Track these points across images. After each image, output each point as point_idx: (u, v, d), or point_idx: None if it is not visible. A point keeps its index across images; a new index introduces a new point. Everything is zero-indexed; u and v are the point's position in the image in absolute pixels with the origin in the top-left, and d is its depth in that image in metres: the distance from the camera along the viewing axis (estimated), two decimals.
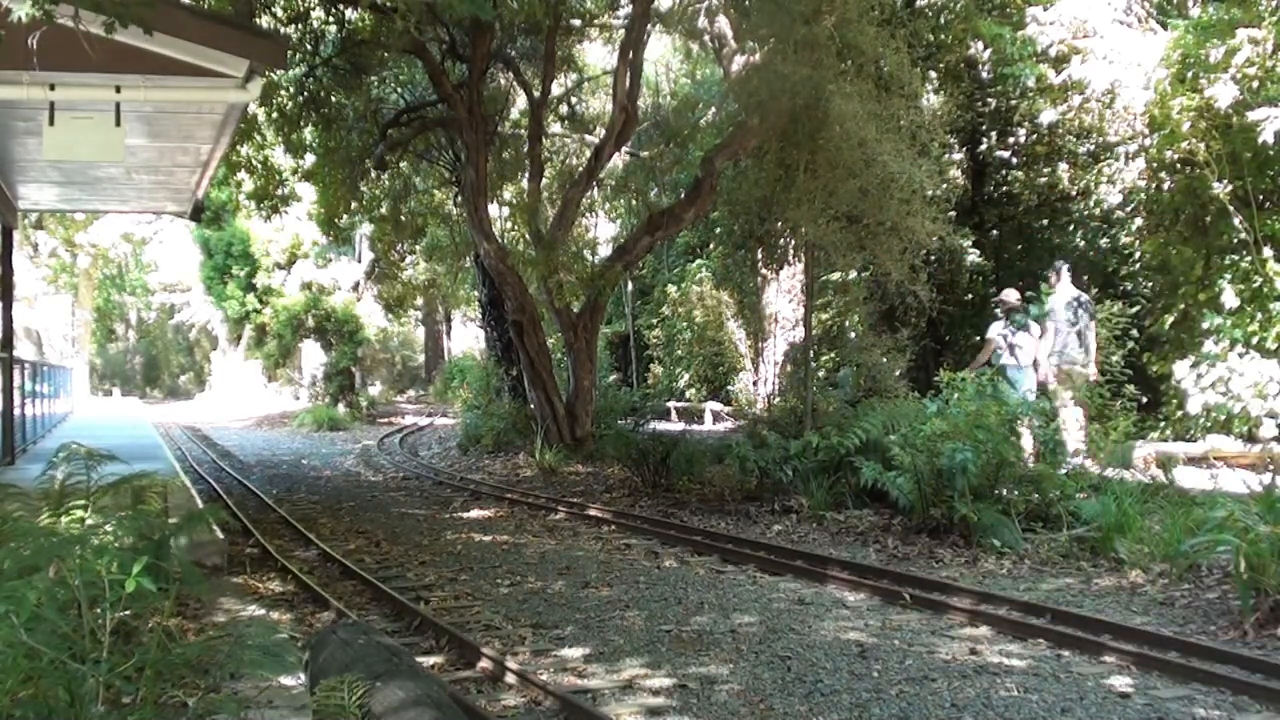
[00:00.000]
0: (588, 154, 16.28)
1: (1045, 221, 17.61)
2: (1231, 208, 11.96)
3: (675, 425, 18.01)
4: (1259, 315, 11.69)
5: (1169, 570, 7.06)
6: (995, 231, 18.04)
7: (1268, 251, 11.82)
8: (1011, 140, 16.97)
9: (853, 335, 17.73)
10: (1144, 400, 13.49)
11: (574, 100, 18.16)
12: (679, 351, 23.16)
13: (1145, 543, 7.50)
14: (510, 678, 5.36)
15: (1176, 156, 12.43)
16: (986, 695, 4.94)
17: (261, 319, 33.04)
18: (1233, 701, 4.83)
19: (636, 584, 7.57)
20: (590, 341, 15.62)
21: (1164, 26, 12.67)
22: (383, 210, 18.65)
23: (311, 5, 14.59)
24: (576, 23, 16.03)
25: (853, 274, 16.29)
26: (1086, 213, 16.70)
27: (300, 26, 14.38)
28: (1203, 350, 11.79)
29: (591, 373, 15.56)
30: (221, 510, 10.10)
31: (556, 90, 16.62)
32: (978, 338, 17.27)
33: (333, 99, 15.30)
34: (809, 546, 8.85)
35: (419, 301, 35.80)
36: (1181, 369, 11.93)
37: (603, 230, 23.59)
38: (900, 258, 12.09)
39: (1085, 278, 16.73)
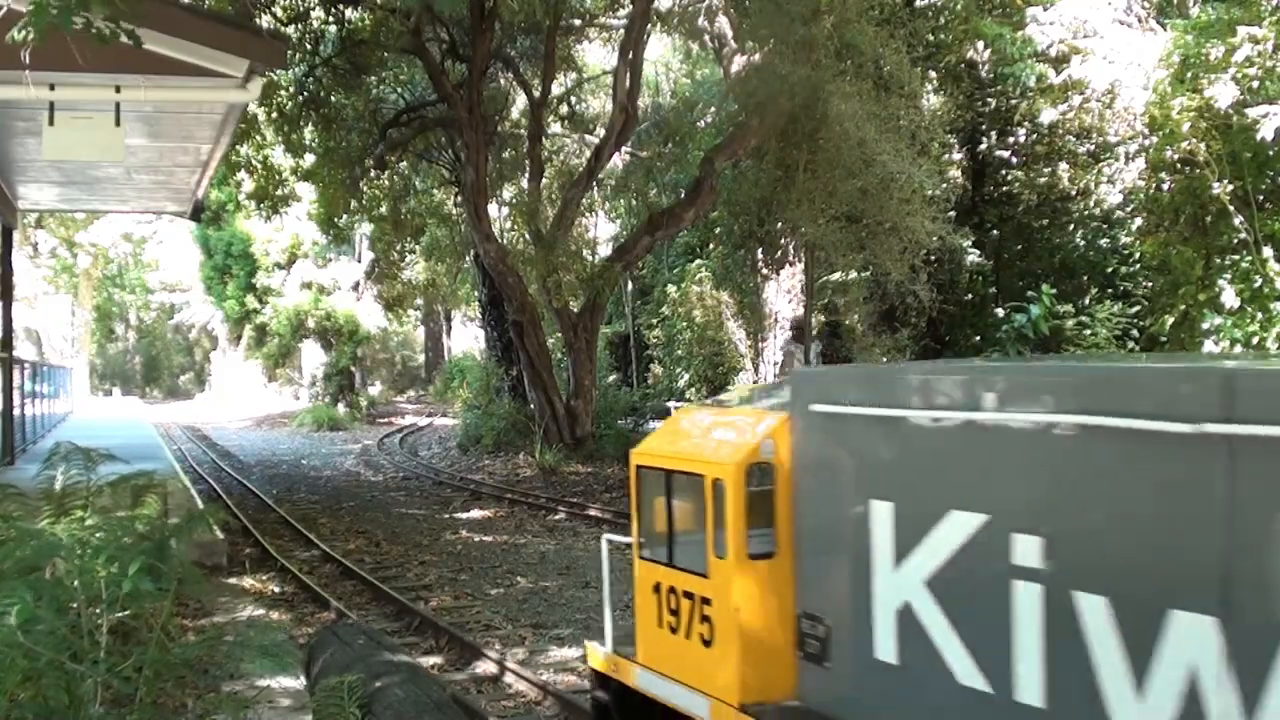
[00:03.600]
0: (588, 154, 16.27)
1: (1045, 221, 17.60)
2: (1231, 208, 11.96)
3: None
4: (1259, 315, 11.69)
5: None
6: (995, 231, 18.03)
7: (1268, 251, 11.82)
8: (1011, 140, 16.96)
9: (853, 335, 17.74)
10: None
11: (574, 100, 18.15)
12: (679, 351, 23.13)
13: None
14: (510, 677, 5.36)
15: (1176, 156, 12.42)
16: None
17: (261, 319, 33.04)
18: None
19: None
20: (590, 341, 15.61)
21: (1164, 26, 12.67)
22: (383, 210, 18.65)
23: (311, 5, 14.58)
24: (576, 23, 16.03)
25: (853, 274, 16.29)
26: (1086, 213, 16.70)
27: (300, 26, 14.38)
28: (1203, 350, 11.79)
29: (591, 373, 15.55)
30: (221, 510, 10.10)
31: (556, 90, 16.61)
32: (978, 338, 17.28)
33: (333, 99, 15.30)
34: None
35: (419, 301, 35.80)
36: None
37: (603, 230, 23.57)
38: (900, 257, 12.10)
39: (1085, 278, 16.75)
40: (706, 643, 3.27)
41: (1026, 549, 2.50)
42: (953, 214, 14.13)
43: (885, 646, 2.89)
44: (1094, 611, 2.36)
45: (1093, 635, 2.37)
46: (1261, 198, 12.04)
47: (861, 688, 2.98)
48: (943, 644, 2.72)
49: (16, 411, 11.81)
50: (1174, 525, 2.24)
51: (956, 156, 16.68)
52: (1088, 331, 14.27)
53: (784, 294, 18.30)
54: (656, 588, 3.54)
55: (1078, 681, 2.40)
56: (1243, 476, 2.10)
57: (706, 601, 3.29)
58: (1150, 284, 15.04)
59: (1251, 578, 2.08)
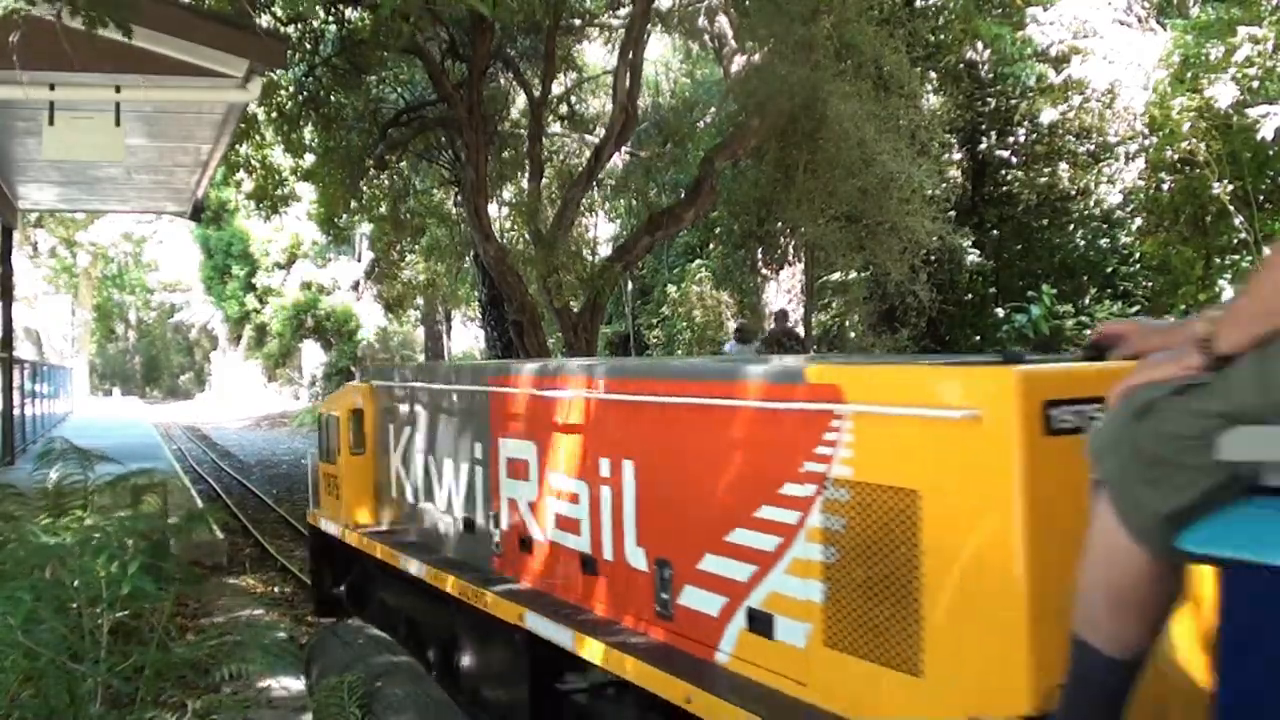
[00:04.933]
0: (588, 154, 16.26)
1: (1045, 221, 17.61)
2: (1231, 208, 11.98)
3: None
4: None
5: None
6: (995, 231, 18.05)
7: (1268, 251, 11.84)
8: (1011, 140, 16.97)
9: (852, 335, 17.74)
10: None
11: (574, 100, 18.14)
12: (679, 351, 23.15)
13: None
14: None
15: (1176, 156, 12.44)
16: None
17: (261, 319, 33.05)
18: None
19: None
20: (590, 341, 15.60)
21: (1164, 26, 12.68)
22: (382, 210, 18.65)
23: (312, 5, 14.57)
24: (576, 22, 16.02)
25: (853, 274, 16.30)
26: (1086, 213, 16.71)
27: (300, 26, 14.36)
28: None
29: None
30: (221, 510, 10.11)
31: (556, 90, 16.59)
32: (978, 338, 17.29)
33: (333, 99, 15.28)
34: None
35: (419, 301, 35.84)
36: None
37: (603, 230, 23.58)
38: (900, 257, 12.11)
39: (1085, 278, 16.77)
40: (337, 499, 5.96)
41: (418, 438, 5.11)
42: (952, 214, 14.14)
43: (396, 489, 5.46)
44: (433, 465, 4.90)
45: (433, 473, 4.90)
46: (1261, 198, 12.06)
47: (393, 509, 5.56)
48: (405, 482, 5.33)
49: (16, 411, 11.83)
50: (423, 420, 5.05)
51: (956, 156, 16.68)
52: (1088, 331, 14.27)
53: (784, 294, 18.31)
54: (324, 475, 6.28)
55: (430, 486, 4.95)
56: (427, 402, 5.05)
57: (336, 478, 6.01)
58: (1150, 284, 15.05)
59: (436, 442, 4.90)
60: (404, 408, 5.39)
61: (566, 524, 3.63)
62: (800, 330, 16.03)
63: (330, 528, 6.05)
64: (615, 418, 3.40)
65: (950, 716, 2.09)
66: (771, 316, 16.23)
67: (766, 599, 2.68)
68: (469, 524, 4.45)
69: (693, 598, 2.97)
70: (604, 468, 3.38)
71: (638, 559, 3.23)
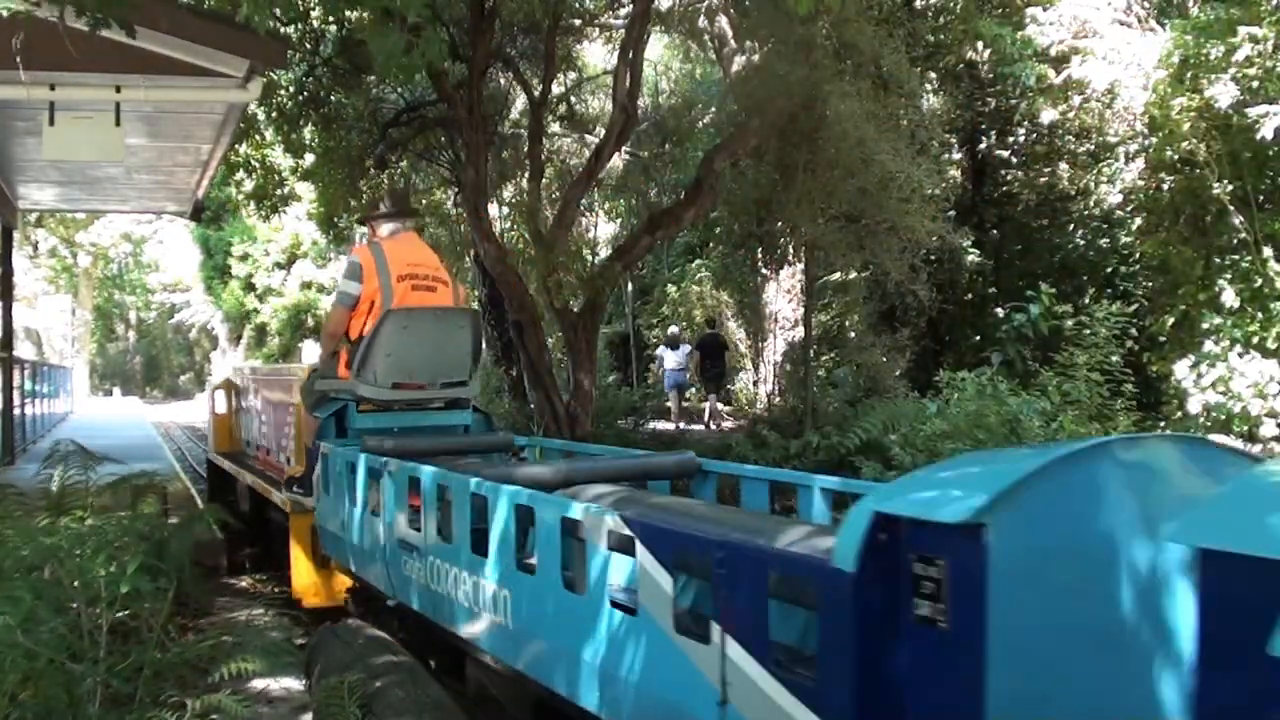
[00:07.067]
0: (588, 154, 16.25)
1: (1045, 221, 17.61)
2: (1231, 208, 11.97)
3: (675, 425, 18.01)
4: (1259, 315, 11.70)
5: None
6: (995, 231, 18.04)
7: (1268, 251, 11.83)
8: (1011, 140, 16.97)
9: (852, 335, 17.74)
10: (1144, 400, 13.47)
11: (574, 100, 18.12)
12: None
13: None
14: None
15: (1176, 156, 12.43)
16: None
17: (261, 319, 33.02)
18: None
19: None
20: (590, 341, 15.58)
21: (1164, 26, 12.68)
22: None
23: (311, 5, 14.55)
24: (576, 22, 16.01)
25: (852, 274, 16.29)
26: (1086, 213, 16.69)
27: (300, 26, 14.36)
28: (1203, 350, 11.79)
29: (591, 373, 15.52)
30: (221, 510, 10.10)
31: (556, 90, 16.58)
32: (978, 337, 17.29)
33: (333, 99, 15.27)
34: None
35: None
36: (1181, 369, 11.94)
37: (603, 230, 23.57)
38: (899, 257, 12.10)
39: (1085, 278, 16.76)
40: (216, 437, 10.04)
41: (242, 403, 9.64)
42: (952, 214, 14.14)
43: (236, 431, 9.75)
44: (245, 417, 9.53)
45: (244, 420, 9.56)
46: (1261, 198, 12.05)
47: (234, 443, 9.65)
48: (237, 426, 9.73)
49: (16, 411, 11.83)
50: (244, 394, 9.62)
51: (956, 156, 16.68)
52: (1087, 331, 14.28)
53: (784, 294, 18.31)
54: (213, 424, 10.18)
55: (242, 427, 9.61)
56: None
57: (214, 428, 10.10)
58: (1150, 284, 15.04)
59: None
60: (242, 389, 9.50)
61: (265, 436, 8.17)
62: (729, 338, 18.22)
63: (213, 457, 10.21)
64: (271, 389, 8.03)
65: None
66: (706, 323, 19.21)
67: (291, 452, 6.98)
68: (248, 442, 8.95)
69: (279, 458, 7.40)
70: (271, 410, 7.94)
71: (274, 446, 7.76)
